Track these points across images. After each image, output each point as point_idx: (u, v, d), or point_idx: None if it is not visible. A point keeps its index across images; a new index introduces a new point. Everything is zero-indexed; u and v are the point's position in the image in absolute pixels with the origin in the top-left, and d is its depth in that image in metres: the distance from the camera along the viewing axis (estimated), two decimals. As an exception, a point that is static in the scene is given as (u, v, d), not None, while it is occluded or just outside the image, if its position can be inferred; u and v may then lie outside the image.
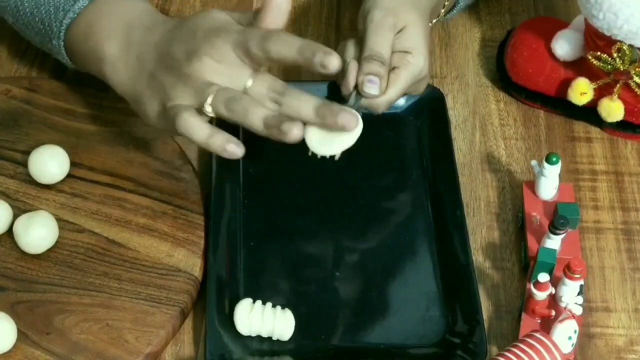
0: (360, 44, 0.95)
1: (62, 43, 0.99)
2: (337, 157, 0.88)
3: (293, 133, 0.84)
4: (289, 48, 0.85)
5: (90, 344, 0.89)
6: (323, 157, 0.88)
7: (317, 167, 0.90)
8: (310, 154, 0.88)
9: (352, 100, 0.94)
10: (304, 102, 0.85)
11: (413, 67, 0.96)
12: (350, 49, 0.96)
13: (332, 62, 0.84)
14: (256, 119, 0.85)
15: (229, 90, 0.86)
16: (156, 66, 0.91)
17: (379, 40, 0.94)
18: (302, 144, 0.86)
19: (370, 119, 0.95)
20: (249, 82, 0.87)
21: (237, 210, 0.99)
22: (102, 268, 0.93)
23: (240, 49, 0.87)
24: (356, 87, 0.94)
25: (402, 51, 0.96)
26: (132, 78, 0.93)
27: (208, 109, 0.87)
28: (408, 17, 0.96)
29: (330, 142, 0.87)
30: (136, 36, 0.94)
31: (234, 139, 0.86)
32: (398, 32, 0.96)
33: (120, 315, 0.90)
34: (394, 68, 0.95)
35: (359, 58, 0.94)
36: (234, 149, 0.86)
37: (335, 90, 0.98)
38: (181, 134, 0.88)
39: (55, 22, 0.99)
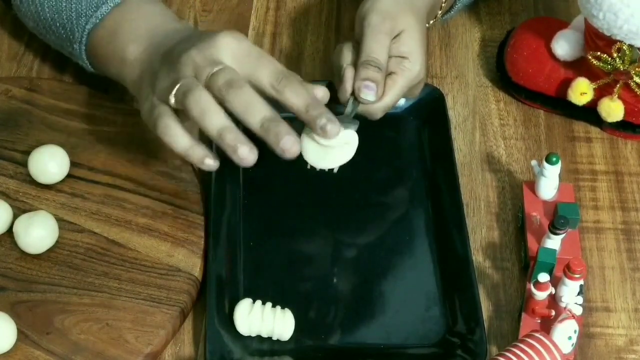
0: (357, 48, 0.95)
1: (84, 48, 1.00)
2: (335, 171, 0.89)
3: (247, 159, 0.85)
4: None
5: (90, 344, 0.89)
6: (322, 170, 0.89)
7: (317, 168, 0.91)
8: (308, 167, 0.88)
9: (349, 106, 0.94)
10: (251, 111, 0.85)
11: (410, 72, 0.96)
12: (347, 53, 0.96)
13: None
14: (211, 127, 0.85)
15: (190, 81, 0.86)
16: (159, 65, 0.91)
17: (376, 46, 0.94)
18: (299, 157, 0.87)
19: (371, 119, 0.96)
20: (214, 69, 0.86)
21: (237, 210, 0.99)
22: (102, 268, 0.93)
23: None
24: (353, 93, 0.94)
25: (399, 56, 0.95)
26: (140, 76, 0.94)
27: (172, 99, 0.87)
28: (405, 21, 0.96)
29: (327, 155, 0.88)
30: (156, 40, 0.94)
31: (211, 153, 0.87)
32: (395, 37, 0.96)
33: (120, 315, 0.90)
34: (390, 73, 0.95)
35: (356, 63, 0.94)
36: (211, 164, 0.87)
37: (333, 92, 0.98)
38: (161, 141, 0.88)
39: (77, 27, 0.99)
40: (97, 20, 0.98)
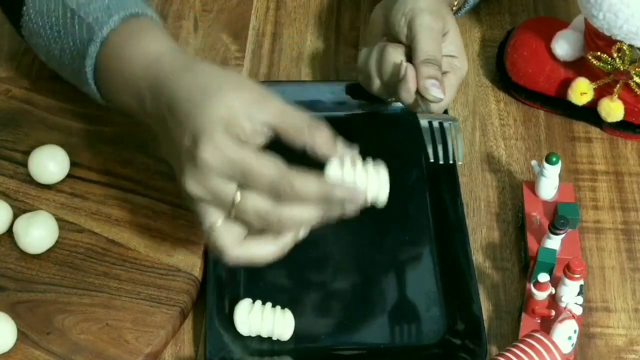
0: (404, 47, 0.96)
1: (95, 88, 0.93)
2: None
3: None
4: None
5: (90, 344, 0.89)
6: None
7: (317, 168, 0.90)
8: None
9: (422, 105, 0.93)
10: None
11: (460, 71, 0.97)
12: (398, 52, 0.96)
13: None
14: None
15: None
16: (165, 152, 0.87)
17: (433, 44, 0.94)
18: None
19: (370, 119, 0.96)
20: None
21: (237, 210, 0.99)
22: (102, 268, 0.93)
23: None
24: (417, 91, 0.94)
25: (448, 55, 0.96)
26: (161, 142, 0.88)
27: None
28: (451, 21, 0.97)
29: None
30: (147, 105, 0.86)
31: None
32: (442, 36, 0.96)
33: (120, 315, 0.90)
34: (444, 72, 0.95)
35: (413, 62, 0.94)
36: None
37: (335, 91, 0.98)
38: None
39: (81, 68, 0.92)
40: (93, 62, 0.91)
